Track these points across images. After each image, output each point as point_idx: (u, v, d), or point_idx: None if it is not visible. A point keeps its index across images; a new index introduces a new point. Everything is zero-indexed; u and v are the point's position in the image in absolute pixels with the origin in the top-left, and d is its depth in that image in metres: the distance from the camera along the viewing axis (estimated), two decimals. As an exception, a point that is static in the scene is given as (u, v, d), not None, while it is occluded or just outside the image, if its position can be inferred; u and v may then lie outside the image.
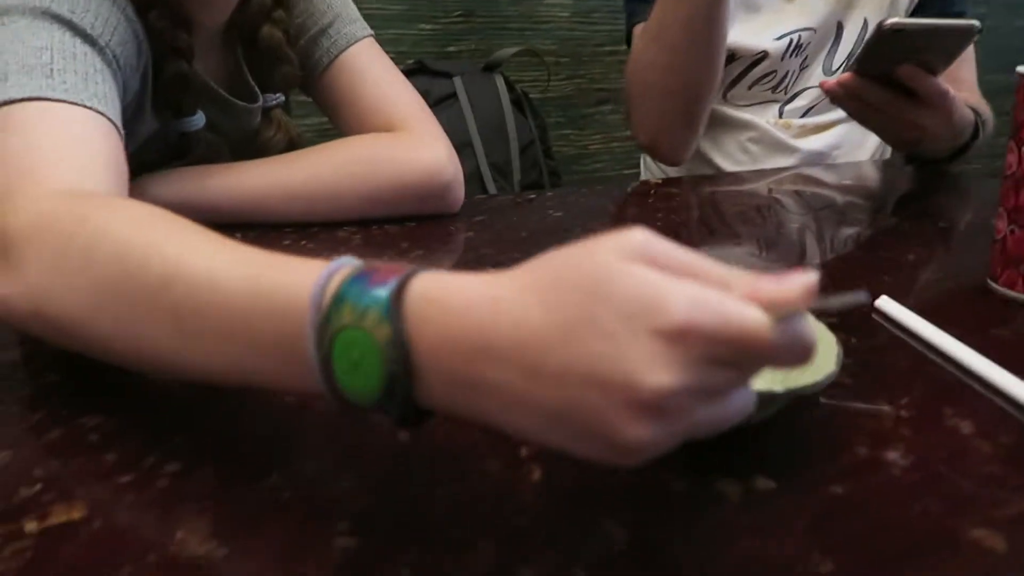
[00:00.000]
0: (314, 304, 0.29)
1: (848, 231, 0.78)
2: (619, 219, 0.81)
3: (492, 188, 1.30)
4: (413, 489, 0.34)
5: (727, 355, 0.25)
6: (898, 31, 0.71)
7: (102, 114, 0.53)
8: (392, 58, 0.83)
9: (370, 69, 0.80)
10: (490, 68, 1.41)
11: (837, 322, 0.54)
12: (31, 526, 0.31)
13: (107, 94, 0.56)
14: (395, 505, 0.33)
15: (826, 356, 0.39)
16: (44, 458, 0.36)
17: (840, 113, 1.11)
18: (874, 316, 0.54)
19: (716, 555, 0.31)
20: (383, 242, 0.68)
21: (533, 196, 0.87)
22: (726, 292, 0.26)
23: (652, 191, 0.93)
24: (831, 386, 0.38)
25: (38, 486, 0.34)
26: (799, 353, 0.26)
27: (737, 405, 0.28)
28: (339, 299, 0.29)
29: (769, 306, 0.26)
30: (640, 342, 0.24)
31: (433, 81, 1.34)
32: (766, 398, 0.38)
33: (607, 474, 0.35)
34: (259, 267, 0.33)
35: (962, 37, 0.76)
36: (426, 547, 0.30)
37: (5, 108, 0.50)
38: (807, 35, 1.07)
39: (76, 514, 0.32)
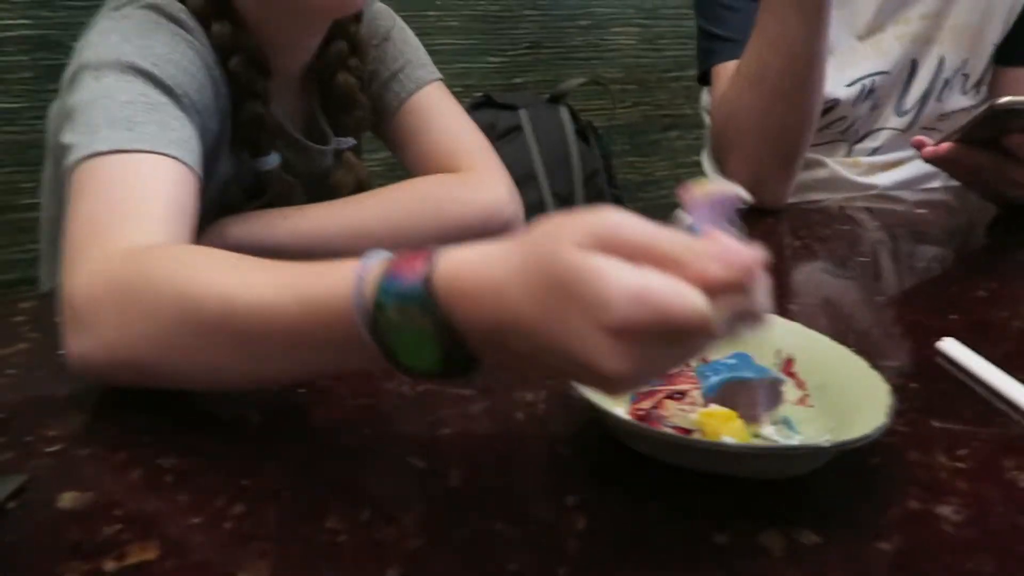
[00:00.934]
0: (360, 312, 0.35)
1: (916, 264, 0.76)
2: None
3: (556, 218, 1.31)
4: (463, 532, 0.36)
5: (672, 338, 0.31)
6: (1012, 110, 0.70)
7: (178, 159, 0.58)
8: (459, 92, 0.86)
9: (436, 111, 0.83)
10: (555, 99, 1.43)
11: (898, 365, 0.53)
12: (110, 565, 0.34)
13: (185, 139, 0.60)
14: (445, 547, 0.35)
15: (877, 407, 0.39)
16: (124, 498, 0.39)
17: (911, 151, 1.08)
18: (938, 359, 0.53)
19: (756, 611, 0.31)
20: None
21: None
22: (678, 273, 0.30)
23: (714, 224, 0.92)
24: (884, 434, 0.38)
25: (118, 526, 0.36)
26: (747, 323, 0.31)
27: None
28: (380, 306, 0.35)
29: (717, 287, 0.30)
30: (594, 337, 0.30)
31: (499, 114, 1.37)
32: (812, 453, 0.38)
33: (649, 524, 0.36)
34: (300, 284, 0.39)
35: None
36: (471, 595, 0.32)
37: (94, 160, 0.55)
38: (880, 79, 1.04)
39: (150, 554, 0.34)
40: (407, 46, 0.84)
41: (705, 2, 1.03)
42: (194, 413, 0.47)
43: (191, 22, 0.69)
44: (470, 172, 0.79)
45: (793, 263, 0.78)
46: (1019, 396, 0.47)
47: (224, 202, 0.73)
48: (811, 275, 0.74)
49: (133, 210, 0.53)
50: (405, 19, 0.88)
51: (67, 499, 0.38)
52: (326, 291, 0.37)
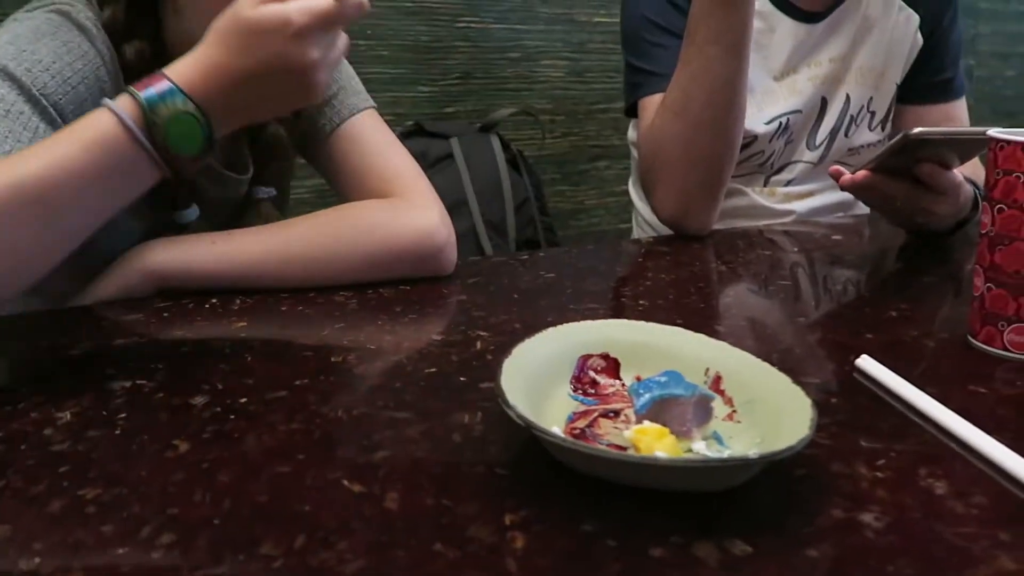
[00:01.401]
0: (134, 123, 0.53)
1: (833, 286, 0.79)
2: (609, 278, 0.83)
3: (487, 246, 1.32)
4: (402, 555, 0.35)
5: (330, 25, 0.56)
6: (923, 140, 0.75)
7: None
8: (391, 120, 0.86)
9: (369, 138, 0.83)
10: (486, 128, 1.45)
11: (819, 382, 0.55)
12: (29, 600, 0.32)
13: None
14: (384, 570, 0.34)
15: (800, 420, 0.40)
16: (44, 531, 0.37)
17: (824, 182, 1.14)
18: (856, 376, 0.56)
19: (692, 621, 0.32)
20: (378, 306, 0.70)
21: (526, 256, 0.90)
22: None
23: (643, 250, 0.95)
24: (808, 447, 0.39)
25: (37, 559, 0.35)
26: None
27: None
28: (150, 108, 0.53)
29: None
30: (288, 46, 0.54)
31: (430, 142, 1.38)
32: (741, 465, 0.39)
33: (586, 540, 0.36)
34: (75, 131, 0.54)
35: (978, 143, 0.79)
36: (410, 616, 0.31)
37: None
38: (794, 117, 1.10)
39: (73, 587, 0.33)
40: (340, 73, 0.84)
41: (632, 38, 1.07)
42: (116, 441, 0.45)
43: (98, 33, 0.67)
44: (402, 197, 0.79)
45: (720, 285, 0.81)
46: (932, 410, 0.49)
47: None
48: (737, 297, 0.77)
49: None
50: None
51: (-20, 534, 0.36)
52: (97, 125, 0.53)
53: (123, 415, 0.48)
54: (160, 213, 0.75)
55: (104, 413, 0.49)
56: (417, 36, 1.65)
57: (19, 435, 0.46)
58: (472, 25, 1.70)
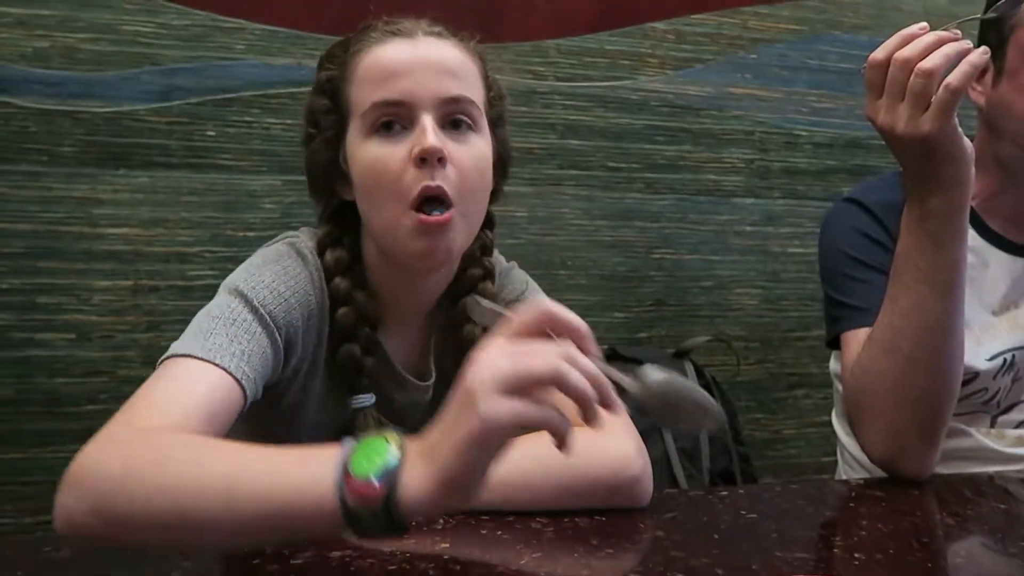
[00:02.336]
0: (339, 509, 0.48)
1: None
2: (817, 522, 0.78)
3: (680, 474, 1.29)
4: None
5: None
6: None
7: (226, 371, 0.67)
8: (585, 346, 0.90)
9: None
10: (680, 354, 1.46)
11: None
12: None
13: (249, 352, 0.70)
14: None
15: None
16: None
17: None
18: None
19: None
20: (574, 536, 0.70)
21: (725, 493, 0.86)
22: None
23: (853, 492, 0.88)
24: None
25: None
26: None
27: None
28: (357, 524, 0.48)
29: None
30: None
31: (624, 367, 1.40)
32: None
33: None
34: (292, 474, 0.51)
35: None
36: None
37: (170, 360, 0.67)
38: (1020, 354, 1.03)
39: None
40: (527, 286, 0.93)
41: (832, 272, 1.07)
42: None
43: (312, 259, 0.80)
44: (599, 426, 0.80)
45: (947, 541, 0.73)
46: None
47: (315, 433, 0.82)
48: (970, 556, 0.69)
49: (165, 401, 0.62)
50: (536, 278, 0.96)
51: None
52: (313, 486, 0.49)
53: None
54: (341, 400, 0.83)
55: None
56: (614, 267, 1.74)
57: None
58: (667, 256, 1.78)
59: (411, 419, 0.88)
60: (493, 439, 0.47)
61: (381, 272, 0.84)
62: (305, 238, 0.83)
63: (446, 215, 0.75)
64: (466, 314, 0.88)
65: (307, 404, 0.83)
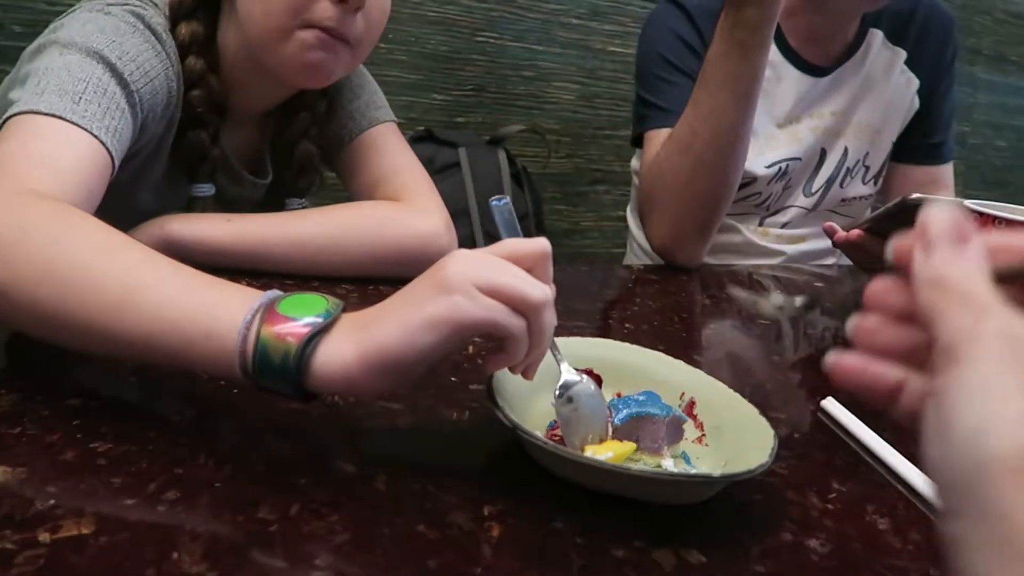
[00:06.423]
0: (239, 360, 0.42)
1: (811, 330, 0.83)
2: (599, 299, 0.87)
3: (485, 255, 1.36)
4: (387, 531, 0.39)
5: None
6: (919, 206, 0.78)
7: (104, 144, 0.61)
8: (402, 124, 0.90)
9: (385, 147, 0.88)
10: (494, 142, 1.49)
11: (785, 417, 0.59)
12: (44, 536, 0.35)
13: (118, 130, 0.63)
14: (371, 543, 0.37)
15: (762, 449, 0.44)
16: (58, 476, 0.40)
17: (815, 227, 1.19)
18: (819, 415, 0.59)
19: (645, 616, 0.35)
20: (377, 301, 0.73)
21: (521, 270, 0.93)
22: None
23: (633, 276, 0.98)
24: (765, 474, 0.43)
25: (51, 501, 0.38)
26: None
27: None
28: (257, 368, 0.42)
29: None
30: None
31: (439, 149, 1.41)
32: (704, 481, 0.43)
33: (555, 536, 0.40)
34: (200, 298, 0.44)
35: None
36: (391, 585, 0.35)
37: (30, 116, 0.58)
38: (793, 164, 1.15)
39: (85, 529, 0.36)
40: (363, 89, 0.89)
41: (645, 73, 1.11)
42: (125, 403, 0.48)
43: (167, 38, 0.72)
44: (411, 202, 0.82)
45: (702, 317, 0.84)
46: (885, 453, 0.53)
47: (145, 208, 0.76)
48: (717, 330, 0.80)
49: (47, 165, 0.56)
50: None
51: None
52: (225, 310, 0.43)
53: (133, 379, 0.52)
54: (177, 187, 0.78)
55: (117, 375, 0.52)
56: (436, 46, 1.69)
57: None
58: (490, 40, 1.74)
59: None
60: (455, 329, 0.41)
61: (236, 61, 0.77)
62: (152, 11, 0.72)
63: (343, 50, 0.73)
64: (303, 131, 0.85)
65: (140, 189, 0.78)
